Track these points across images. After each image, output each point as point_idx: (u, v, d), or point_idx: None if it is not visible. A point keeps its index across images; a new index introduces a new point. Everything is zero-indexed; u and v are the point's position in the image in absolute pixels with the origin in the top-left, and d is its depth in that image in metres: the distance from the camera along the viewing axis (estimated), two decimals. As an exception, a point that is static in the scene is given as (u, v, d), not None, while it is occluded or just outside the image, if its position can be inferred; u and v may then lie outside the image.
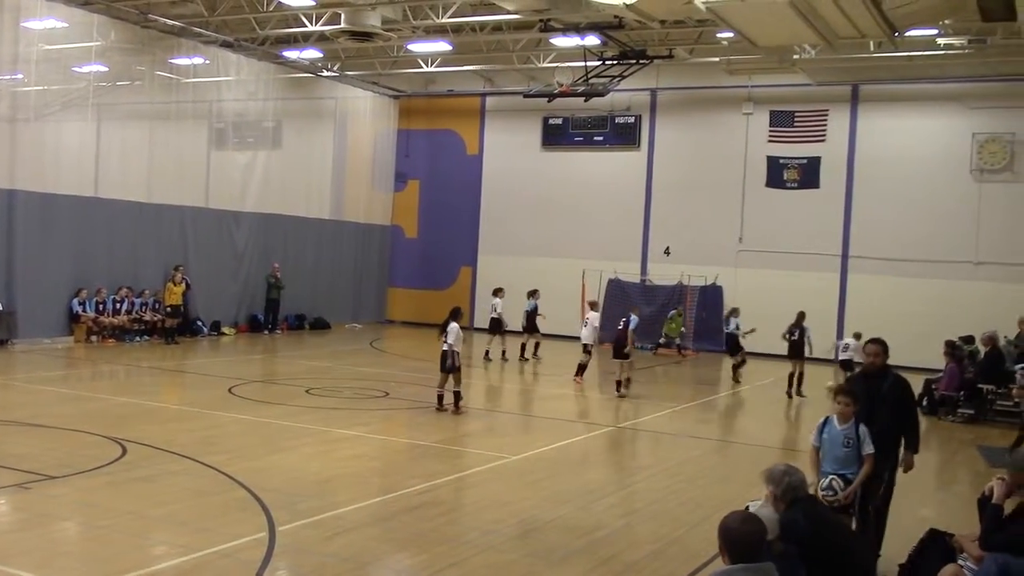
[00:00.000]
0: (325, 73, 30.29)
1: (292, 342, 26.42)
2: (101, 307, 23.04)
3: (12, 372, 18.21)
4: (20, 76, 22.02)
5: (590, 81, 25.27)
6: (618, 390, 18.30)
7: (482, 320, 31.22)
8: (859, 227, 27.09)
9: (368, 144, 32.34)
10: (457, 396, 15.35)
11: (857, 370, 8.30)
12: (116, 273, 23.69)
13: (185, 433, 12.64)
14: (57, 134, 23.03)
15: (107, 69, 24.28)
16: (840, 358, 20.95)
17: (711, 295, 28.15)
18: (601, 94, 25.53)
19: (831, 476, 7.50)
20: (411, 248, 33.33)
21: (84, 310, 22.69)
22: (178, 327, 24.31)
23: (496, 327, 23.65)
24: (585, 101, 26.87)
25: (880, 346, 8.10)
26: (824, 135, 27.48)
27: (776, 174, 28.02)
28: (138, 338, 23.70)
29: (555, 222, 30.69)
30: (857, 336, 20.56)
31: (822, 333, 26.39)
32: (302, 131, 30.84)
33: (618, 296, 29.44)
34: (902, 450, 8.12)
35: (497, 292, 24.24)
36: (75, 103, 24.07)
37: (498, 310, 23.68)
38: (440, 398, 15.40)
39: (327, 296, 30.51)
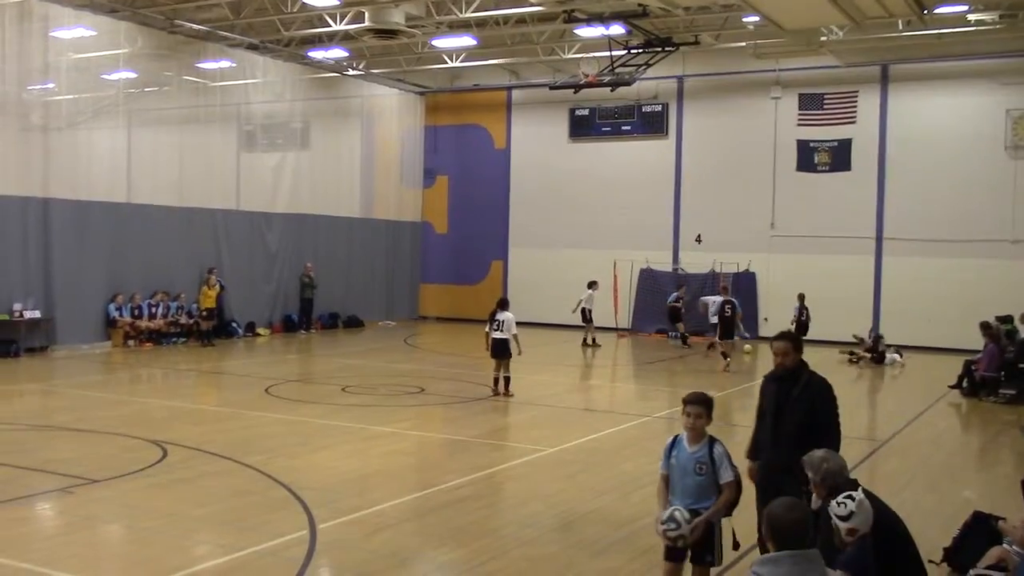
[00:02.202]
0: (351, 72, 30.41)
1: (326, 341, 26.59)
2: (137, 312, 23.32)
3: (53, 378, 18.48)
4: (51, 85, 22.30)
5: (616, 71, 25.16)
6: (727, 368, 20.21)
7: (514, 313, 31.27)
8: (892, 209, 26.78)
9: (396, 141, 32.43)
10: (507, 381, 16.33)
11: (769, 372, 6.99)
12: (151, 278, 23.96)
13: (223, 434, 12.77)
14: (89, 142, 23.29)
15: (136, 75, 24.51)
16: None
17: (744, 282, 27.97)
18: (628, 83, 25.43)
19: (674, 508, 5.97)
20: (442, 244, 33.40)
21: (120, 315, 22.96)
22: (213, 329, 24.55)
23: (586, 317, 25.38)
24: (612, 91, 26.77)
25: (789, 342, 6.81)
26: (854, 117, 27.18)
27: (807, 158, 27.76)
28: (174, 341, 23.95)
29: (585, 213, 30.62)
30: (800, 297, 22.15)
31: (858, 317, 26.25)
32: (330, 131, 30.99)
33: (650, 286, 29.37)
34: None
35: (592, 285, 25.88)
36: (106, 110, 24.34)
37: (590, 303, 25.59)
38: (496, 382, 16.40)
39: (360, 294, 30.66)
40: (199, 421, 13.99)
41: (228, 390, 18.03)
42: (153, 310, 23.74)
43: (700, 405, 6.09)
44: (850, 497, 5.23)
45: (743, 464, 6.82)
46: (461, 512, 9.20)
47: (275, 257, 27.72)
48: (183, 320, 24.30)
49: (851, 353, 23.07)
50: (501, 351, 16.27)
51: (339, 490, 9.85)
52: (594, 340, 25.45)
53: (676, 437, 6.20)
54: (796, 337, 7.01)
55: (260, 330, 26.87)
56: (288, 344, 25.61)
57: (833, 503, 5.29)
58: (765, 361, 24.66)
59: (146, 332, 23.40)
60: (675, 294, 26.14)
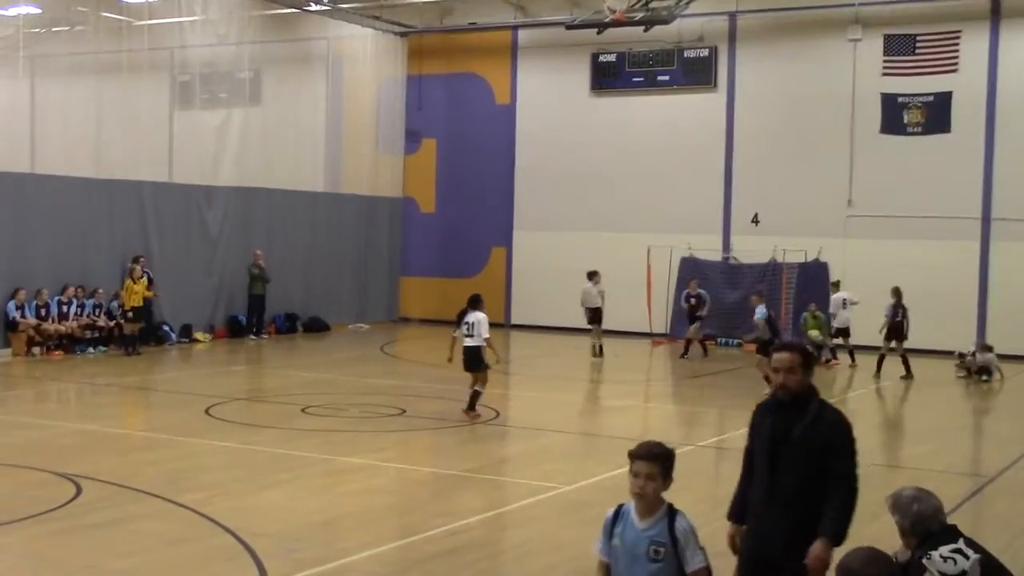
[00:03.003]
0: (313, 7, 30.41)
1: (282, 349, 26.60)
2: (44, 311, 23.37)
3: (-64, 395, 18.55)
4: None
5: (650, 5, 25.16)
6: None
7: (520, 314, 31.37)
8: (1004, 181, 26.72)
9: (370, 96, 32.43)
10: (474, 397, 16.31)
11: (764, 400, 6.55)
12: (61, 269, 23.97)
13: (153, 466, 12.79)
14: (-21, 95, 23.40)
15: (40, 11, 24.59)
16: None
17: (813, 274, 27.93)
18: (666, 21, 25.43)
19: None
20: (429, 226, 33.41)
21: (23, 315, 23.01)
22: (141, 334, 24.52)
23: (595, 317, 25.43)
24: (645, 31, 26.75)
25: (798, 355, 6.25)
26: (956, 64, 27.12)
27: (894, 117, 27.70)
28: (92, 349, 23.99)
29: (610, 187, 30.60)
30: (896, 293, 23.13)
31: (960, 317, 26.20)
32: (287, 82, 31.01)
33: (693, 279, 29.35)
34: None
35: (591, 276, 25.58)
36: (1, 55, 24.42)
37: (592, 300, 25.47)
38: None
39: (324, 290, 30.68)
40: (122, 450, 14.01)
41: (158, 410, 18.04)
42: (64, 309, 23.79)
43: (653, 461, 5.36)
44: (963, 553, 5.22)
45: (716, 540, 6.31)
46: (453, 566, 9.22)
47: (217, 242, 27.75)
48: (102, 322, 24.35)
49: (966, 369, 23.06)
50: (472, 361, 16.30)
51: (299, 537, 9.86)
52: (600, 348, 25.14)
53: (620, 508, 5.56)
54: (806, 350, 6.44)
55: (198, 335, 26.91)
56: (234, 353, 25.62)
57: (937, 557, 5.27)
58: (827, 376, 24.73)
59: (55, 337, 23.43)
60: (685, 291, 27.01)
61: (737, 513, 6.59)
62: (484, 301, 17.02)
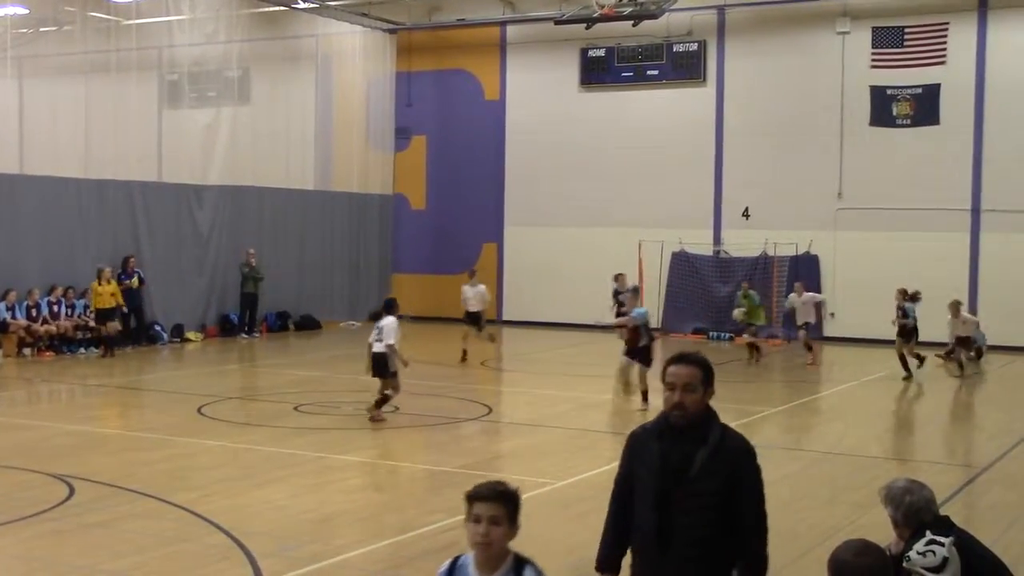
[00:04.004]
0: (302, 4, 30.36)
1: (274, 347, 26.59)
2: (34, 312, 23.32)
3: (-73, 398, 18.51)
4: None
5: (639, 0, 25.15)
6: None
7: (512, 312, 31.37)
8: (993, 173, 26.78)
9: (360, 93, 32.41)
10: (380, 402, 15.61)
11: (647, 423, 5.38)
12: (50, 269, 23.92)
13: (146, 466, 12.77)
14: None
15: (27, 12, 24.52)
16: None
17: (804, 267, 27.99)
18: (654, 16, 25.41)
19: None
20: (419, 222, 33.41)
21: (13, 317, 22.96)
22: (117, 335, 24.16)
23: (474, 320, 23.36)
24: (634, 26, 26.74)
25: (697, 368, 5.13)
26: (944, 56, 27.17)
27: (883, 109, 27.76)
28: (83, 349, 23.95)
29: (601, 182, 30.62)
30: (907, 295, 21.87)
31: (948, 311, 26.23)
32: (276, 80, 30.96)
33: (685, 273, 29.39)
34: None
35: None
36: (-11, 56, 24.36)
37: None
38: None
39: (316, 288, 30.67)
40: (114, 450, 14.00)
41: (151, 410, 18.01)
42: (54, 310, 23.74)
43: (498, 502, 4.53)
44: (937, 543, 5.23)
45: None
46: (447, 562, 9.21)
47: (208, 242, 27.72)
48: (93, 323, 24.29)
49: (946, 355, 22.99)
50: (378, 367, 15.60)
51: (293, 535, 9.87)
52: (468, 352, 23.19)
53: (456, 560, 4.71)
54: (707, 363, 5.19)
55: (190, 334, 26.88)
56: (226, 352, 25.60)
57: (915, 555, 5.28)
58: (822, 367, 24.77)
59: (46, 338, 23.40)
60: (614, 286, 23.92)
61: (608, 560, 5.45)
62: (398, 306, 16.46)
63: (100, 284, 23.84)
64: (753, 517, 5.02)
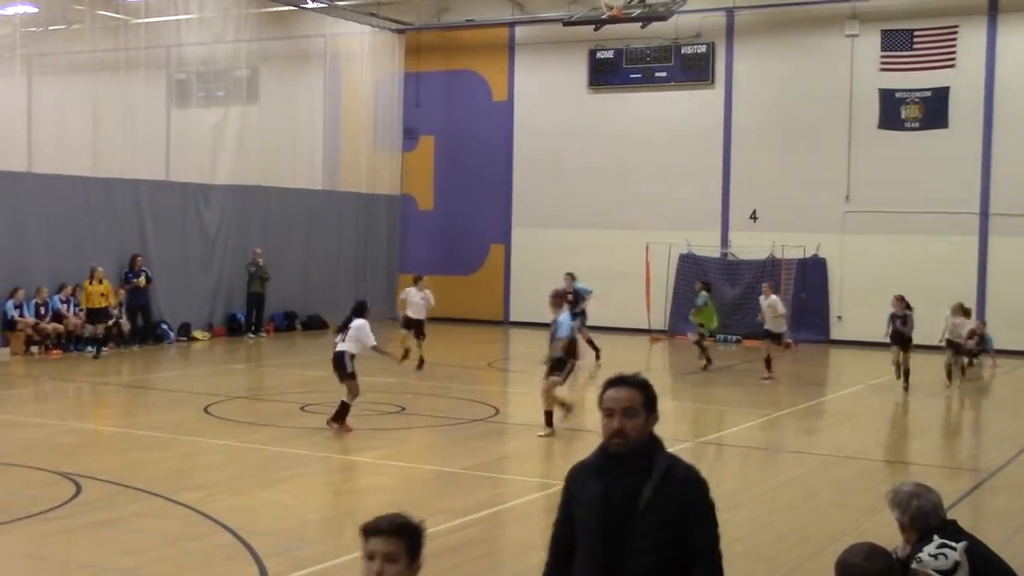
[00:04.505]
0: (310, 4, 30.39)
1: (281, 347, 26.61)
2: (43, 310, 23.36)
3: (-65, 395, 18.56)
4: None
5: (647, 2, 25.15)
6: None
7: (519, 313, 31.34)
8: (1002, 176, 26.73)
9: (368, 93, 32.43)
10: (343, 408, 15.03)
11: (585, 458, 4.97)
12: (59, 268, 23.93)
13: (152, 465, 12.79)
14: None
15: (37, 10, 24.56)
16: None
17: (812, 270, 27.96)
18: (663, 17, 25.41)
19: None
20: (427, 223, 33.42)
21: (21, 315, 23.00)
22: (118, 334, 24.14)
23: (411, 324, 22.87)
24: (643, 27, 26.74)
25: (637, 391, 4.67)
26: (953, 59, 27.14)
27: (892, 112, 27.73)
28: (90, 347, 23.97)
29: (608, 184, 30.60)
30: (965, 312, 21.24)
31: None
32: (284, 80, 30.99)
33: (693, 276, 29.32)
34: None
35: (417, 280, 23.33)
36: (-1, 55, 24.42)
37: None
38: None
39: (323, 288, 30.66)
40: (121, 448, 14.03)
41: (158, 409, 18.04)
42: (64, 307, 23.76)
43: (395, 537, 4.02)
44: (949, 546, 5.22)
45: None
46: (453, 563, 9.22)
47: (215, 241, 27.76)
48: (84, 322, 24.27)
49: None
50: (336, 366, 15.35)
51: (299, 535, 9.89)
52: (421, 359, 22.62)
53: None
54: (648, 385, 4.72)
55: (197, 333, 26.92)
56: (232, 351, 25.63)
57: (927, 557, 5.27)
58: (813, 368, 24.71)
59: (54, 336, 23.44)
60: (562, 287, 21.33)
61: None
62: (368, 309, 16.05)
63: (92, 283, 23.78)
64: (706, 554, 4.52)
